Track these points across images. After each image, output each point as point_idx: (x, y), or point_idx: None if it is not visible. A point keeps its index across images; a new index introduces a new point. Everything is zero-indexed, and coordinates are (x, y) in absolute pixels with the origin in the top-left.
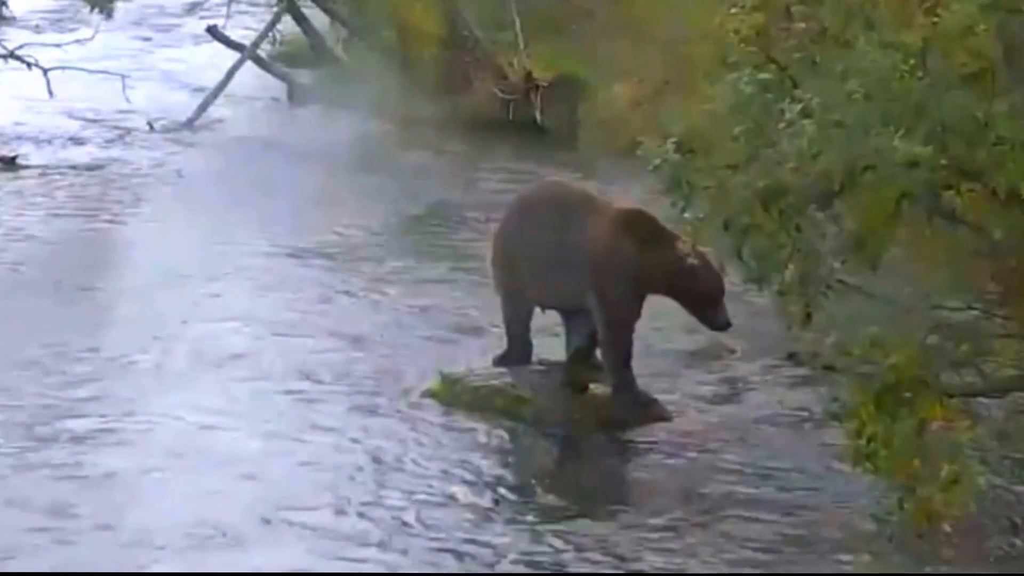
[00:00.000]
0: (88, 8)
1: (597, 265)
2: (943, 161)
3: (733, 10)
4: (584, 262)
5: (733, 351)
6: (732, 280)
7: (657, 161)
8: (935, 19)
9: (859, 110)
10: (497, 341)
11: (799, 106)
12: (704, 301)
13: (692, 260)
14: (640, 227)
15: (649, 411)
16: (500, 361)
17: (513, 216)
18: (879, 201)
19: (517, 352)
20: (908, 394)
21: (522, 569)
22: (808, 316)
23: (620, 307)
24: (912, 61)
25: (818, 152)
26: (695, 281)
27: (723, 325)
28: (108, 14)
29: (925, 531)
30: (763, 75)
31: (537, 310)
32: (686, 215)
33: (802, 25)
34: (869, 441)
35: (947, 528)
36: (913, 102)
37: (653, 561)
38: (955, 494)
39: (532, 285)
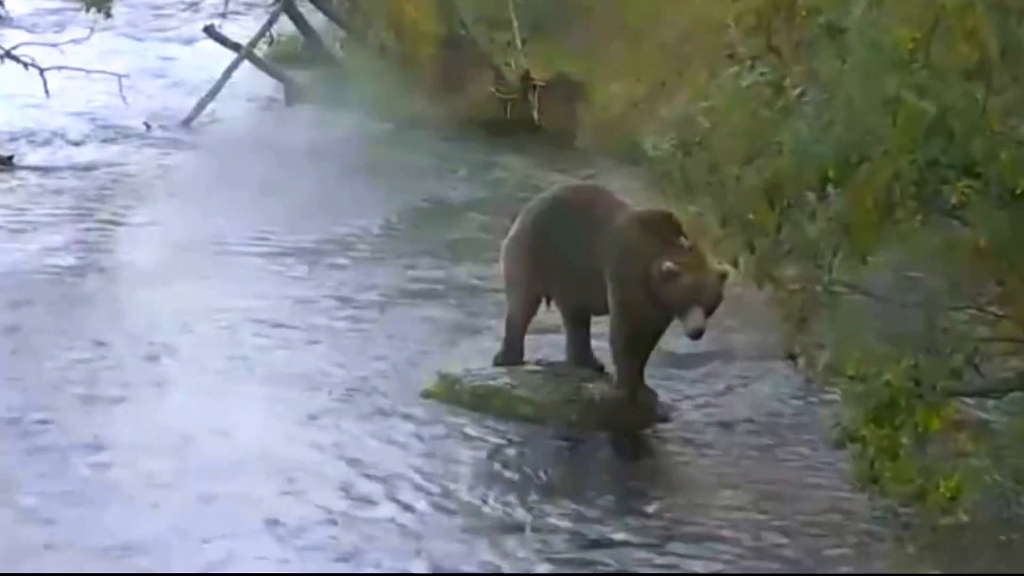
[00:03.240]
0: (84, 9)
1: (613, 262)
2: (940, 152)
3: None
4: (606, 263)
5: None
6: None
7: (655, 152)
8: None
9: (853, 104)
10: (496, 341)
11: (797, 91)
12: (675, 306)
13: (669, 264)
14: (657, 227)
15: (648, 411)
16: (500, 360)
17: (541, 216)
18: (871, 189)
19: (515, 350)
20: (904, 405)
21: (521, 569)
22: (804, 320)
23: (629, 302)
24: (910, 46)
25: (814, 141)
26: (665, 284)
27: (690, 333)
28: (107, 14)
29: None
30: (762, 69)
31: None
32: (691, 209)
33: (803, 13)
34: (872, 463)
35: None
36: (912, 87)
37: (653, 561)
38: (959, 503)
39: (558, 286)
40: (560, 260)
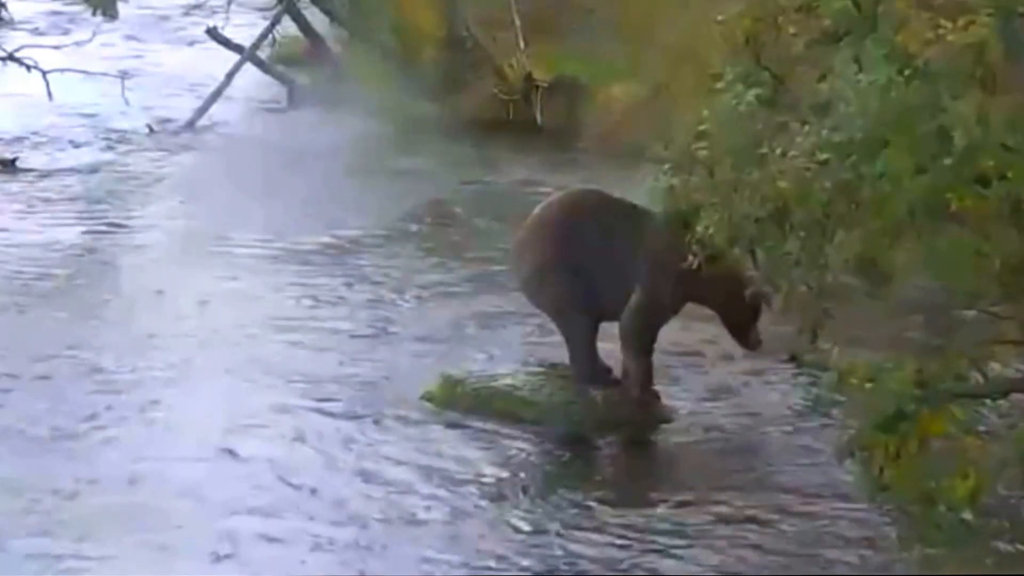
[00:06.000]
0: (91, 11)
1: (645, 265)
2: (947, 161)
3: (720, 17)
4: (633, 267)
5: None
6: None
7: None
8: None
9: (856, 134)
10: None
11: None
12: (741, 319)
13: (733, 274)
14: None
15: (650, 412)
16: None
17: (554, 225)
18: (884, 218)
19: (586, 369)
20: (911, 411)
21: (522, 571)
22: (815, 333)
23: (658, 306)
24: (910, 70)
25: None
26: (736, 296)
27: (753, 345)
28: (112, 16)
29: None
30: (755, 91)
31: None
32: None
33: (792, 31)
34: (881, 470)
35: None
36: (913, 106)
37: (655, 563)
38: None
39: (579, 295)
40: (572, 264)
